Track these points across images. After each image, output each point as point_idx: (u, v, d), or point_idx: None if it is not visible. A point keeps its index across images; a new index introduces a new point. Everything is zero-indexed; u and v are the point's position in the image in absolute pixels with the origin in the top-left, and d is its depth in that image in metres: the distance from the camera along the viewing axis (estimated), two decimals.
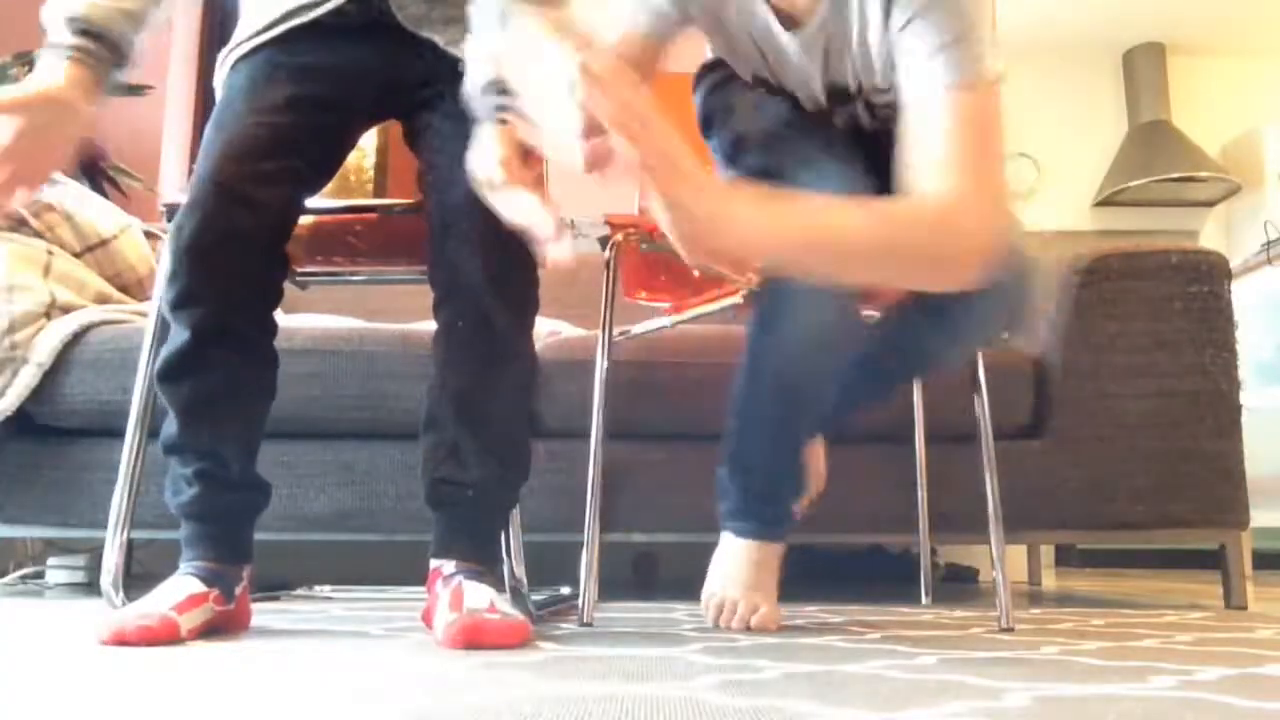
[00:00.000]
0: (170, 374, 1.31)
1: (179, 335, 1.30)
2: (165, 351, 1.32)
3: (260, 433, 1.39)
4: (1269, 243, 4.27)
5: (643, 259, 1.76)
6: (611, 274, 1.58)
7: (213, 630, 1.27)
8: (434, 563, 1.32)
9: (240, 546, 1.35)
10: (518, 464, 1.37)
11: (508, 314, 1.33)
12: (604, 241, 1.62)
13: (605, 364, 1.59)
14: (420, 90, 1.42)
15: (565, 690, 0.87)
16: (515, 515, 1.59)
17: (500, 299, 1.32)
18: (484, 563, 1.32)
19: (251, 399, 1.37)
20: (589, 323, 1.95)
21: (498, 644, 1.15)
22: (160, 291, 1.39)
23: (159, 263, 1.70)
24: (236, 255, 1.29)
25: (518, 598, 1.48)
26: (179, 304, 1.29)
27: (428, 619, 1.30)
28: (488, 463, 1.33)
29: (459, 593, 1.24)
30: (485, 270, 1.30)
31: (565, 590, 1.90)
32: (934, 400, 1.94)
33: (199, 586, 1.27)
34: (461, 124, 1.37)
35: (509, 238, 1.33)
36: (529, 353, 1.38)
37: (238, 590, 1.32)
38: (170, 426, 1.34)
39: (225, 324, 1.31)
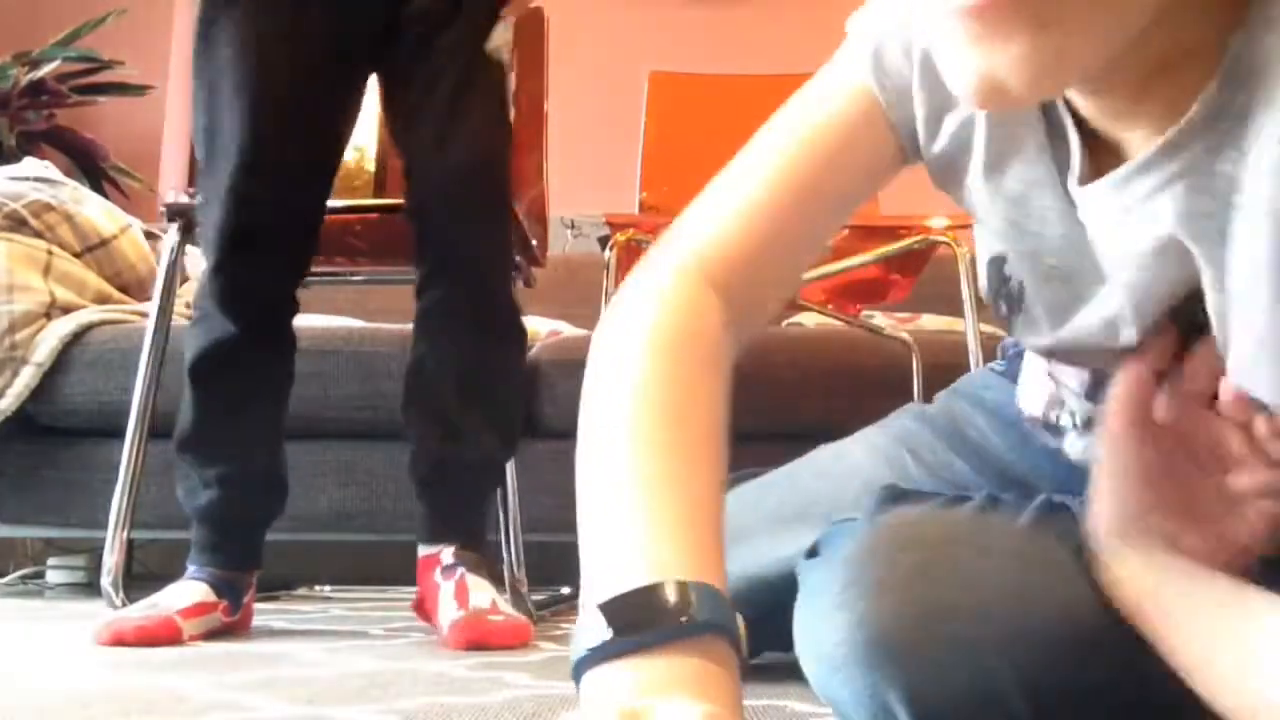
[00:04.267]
0: (208, 369, 1.26)
1: (221, 329, 1.24)
2: (202, 345, 1.26)
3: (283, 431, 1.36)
4: None
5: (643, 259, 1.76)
6: (611, 274, 1.58)
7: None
8: (427, 549, 1.29)
9: (253, 553, 1.32)
10: (513, 439, 1.34)
11: (507, 286, 1.30)
12: (604, 241, 1.62)
13: None
14: (413, 32, 1.29)
15: (565, 690, 0.87)
16: (515, 515, 1.58)
17: (503, 272, 1.29)
18: (479, 548, 1.30)
19: (283, 397, 1.34)
20: (589, 323, 1.94)
21: (501, 644, 1.15)
22: (203, 285, 1.29)
23: (159, 261, 1.70)
24: (286, 246, 1.26)
25: (518, 598, 1.48)
26: (228, 298, 1.24)
27: (422, 609, 1.28)
28: (488, 441, 1.29)
29: (464, 588, 1.22)
30: (490, 245, 1.26)
31: (565, 590, 1.90)
32: None
33: (209, 595, 1.24)
34: (460, 74, 1.28)
35: (504, 206, 1.29)
36: (522, 323, 1.35)
37: (245, 598, 1.30)
38: (188, 423, 1.29)
39: (274, 319, 1.27)
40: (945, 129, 0.60)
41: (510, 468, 1.70)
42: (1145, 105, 0.49)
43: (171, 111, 3.26)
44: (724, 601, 0.45)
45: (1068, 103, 0.54)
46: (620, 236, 1.60)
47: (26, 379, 1.85)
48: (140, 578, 1.63)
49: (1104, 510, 0.59)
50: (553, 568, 1.99)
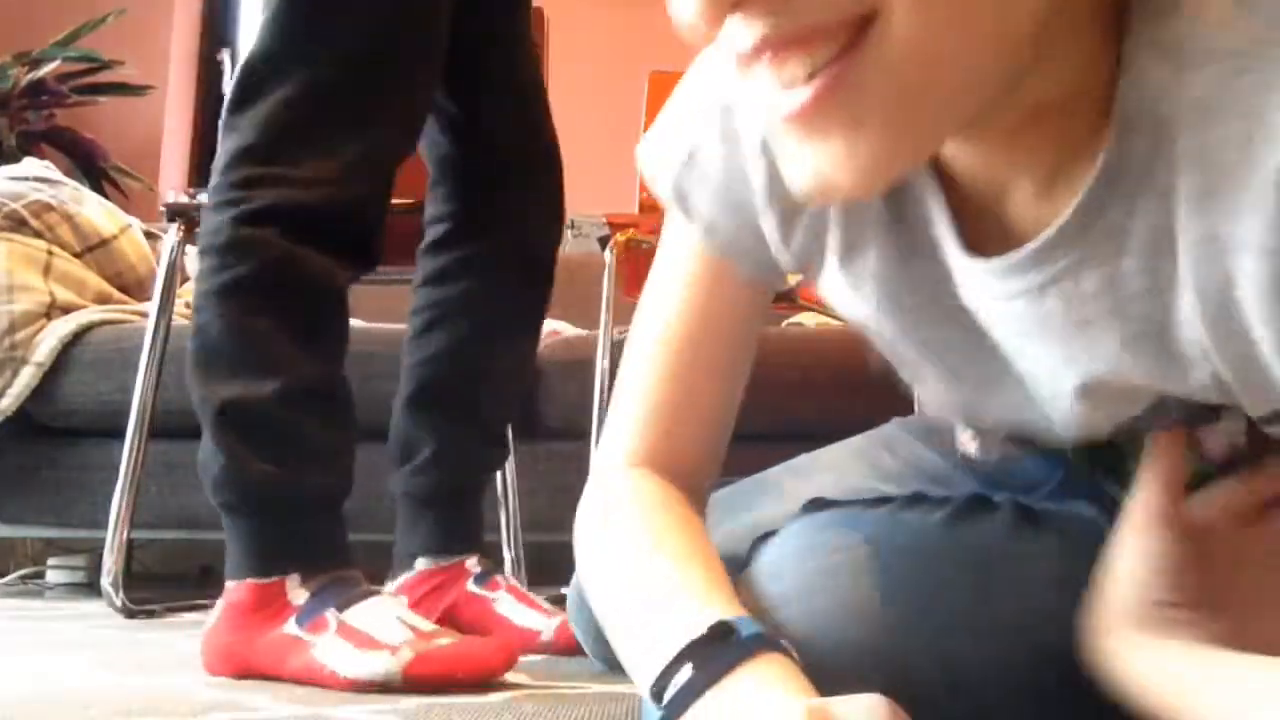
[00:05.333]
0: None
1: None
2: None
3: None
4: None
5: (643, 259, 1.76)
6: (611, 274, 1.58)
7: None
8: (446, 560, 1.20)
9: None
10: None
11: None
12: (604, 241, 1.62)
13: (605, 364, 1.59)
14: None
15: (565, 690, 0.88)
16: (515, 515, 1.58)
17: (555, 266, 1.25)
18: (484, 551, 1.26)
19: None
20: (589, 323, 1.95)
21: None
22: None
23: (159, 261, 1.70)
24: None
25: None
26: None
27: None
28: (505, 434, 1.26)
29: (522, 594, 1.18)
30: (555, 234, 1.24)
31: (565, 590, 1.90)
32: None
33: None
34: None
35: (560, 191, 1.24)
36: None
37: None
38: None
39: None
40: (798, 229, 0.57)
41: (510, 467, 1.70)
42: (1026, 154, 0.46)
43: (171, 111, 3.27)
44: (764, 626, 0.49)
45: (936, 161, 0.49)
46: (620, 236, 1.60)
47: (26, 379, 1.85)
48: (140, 577, 1.63)
49: (1116, 597, 0.55)
50: (552, 568, 1.99)
